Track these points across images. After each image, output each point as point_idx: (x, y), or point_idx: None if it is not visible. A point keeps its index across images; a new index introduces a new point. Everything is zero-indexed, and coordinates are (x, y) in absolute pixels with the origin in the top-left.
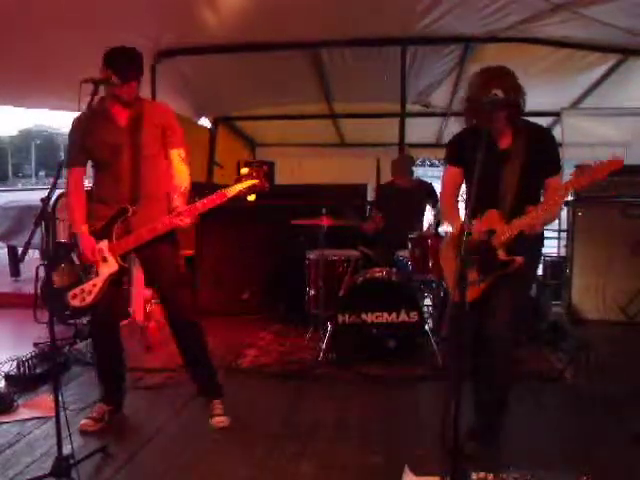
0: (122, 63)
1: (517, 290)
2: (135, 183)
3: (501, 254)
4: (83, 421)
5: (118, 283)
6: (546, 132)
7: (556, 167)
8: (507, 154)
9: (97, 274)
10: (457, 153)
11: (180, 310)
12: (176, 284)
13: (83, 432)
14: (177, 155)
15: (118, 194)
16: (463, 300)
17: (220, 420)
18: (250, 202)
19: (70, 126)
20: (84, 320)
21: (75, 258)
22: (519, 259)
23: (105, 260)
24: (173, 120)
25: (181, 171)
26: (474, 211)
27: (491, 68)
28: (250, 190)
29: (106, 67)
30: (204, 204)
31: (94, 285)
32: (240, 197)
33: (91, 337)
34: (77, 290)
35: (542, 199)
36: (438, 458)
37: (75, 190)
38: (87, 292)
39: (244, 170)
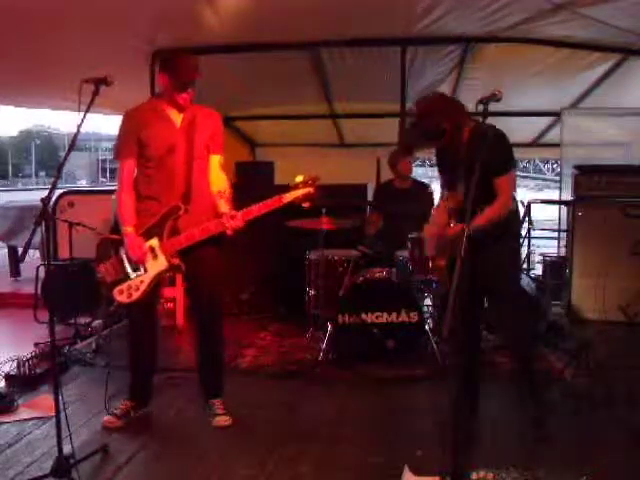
0: (185, 71)
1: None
2: (188, 182)
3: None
4: (106, 417)
5: (163, 281)
6: (493, 132)
7: (500, 167)
8: (462, 162)
9: (146, 271)
10: (438, 164)
11: (213, 307)
12: (216, 284)
13: (106, 429)
14: (217, 161)
15: (171, 192)
16: (463, 300)
17: (225, 419)
18: (248, 202)
19: (122, 118)
20: (84, 320)
21: (123, 254)
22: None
23: (155, 258)
24: (220, 126)
25: (221, 177)
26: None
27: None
28: (305, 198)
29: (166, 73)
30: (260, 208)
31: (142, 282)
32: (295, 203)
33: (129, 332)
34: (124, 286)
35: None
36: (438, 458)
37: (124, 184)
38: (134, 288)
39: (299, 178)
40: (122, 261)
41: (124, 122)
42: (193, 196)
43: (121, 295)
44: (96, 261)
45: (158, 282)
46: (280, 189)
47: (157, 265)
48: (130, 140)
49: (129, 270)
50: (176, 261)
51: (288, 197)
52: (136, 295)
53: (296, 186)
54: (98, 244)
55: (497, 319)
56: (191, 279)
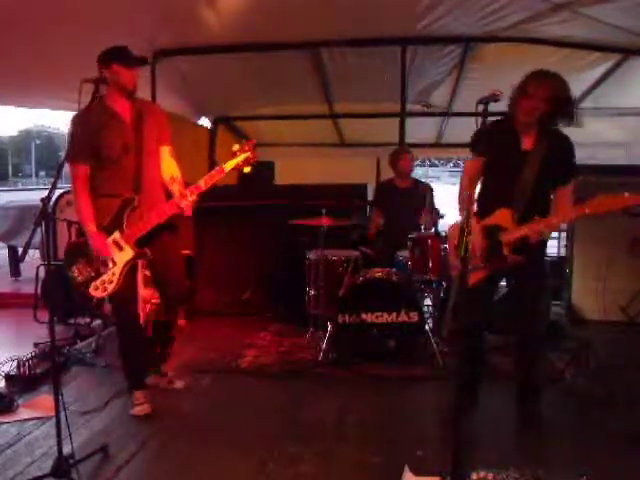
0: (123, 52)
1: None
2: (138, 175)
3: (505, 249)
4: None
5: (134, 270)
6: (568, 141)
7: (567, 177)
8: (528, 155)
9: (115, 264)
10: (481, 143)
11: (179, 290)
12: (179, 266)
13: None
14: (167, 151)
15: (123, 187)
16: (462, 299)
17: (142, 409)
18: (248, 202)
19: (71, 123)
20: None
21: (91, 253)
22: (519, 257)
23: (121, 249)
24: (166, 120)
25: (172, 164)
26: (488, 207)
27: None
28: (245, 163)
29: (108, 61)
30: (206, 181)
31: (113, 274)
32: (237, 170)
33: (117, 325)
34: (98, 282)
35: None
36: (438, 458)
37: (82, 187)
38: (108, 282)
39: (236, 146)
40: (91, 260)
41: (75, 127)
42: (145, 186)
43: (97, 291)
44: (67, 266)
45: (134, 271)
46: (280, 188)
47: (124, 255)
48: (83, 145)
49: (99, 266)
50: (141, 248)
51: (228, 166)
52: (111, 288)
53: (234, 154)
54: (66, 250)
55: (521, 314)
56: (155, 264)
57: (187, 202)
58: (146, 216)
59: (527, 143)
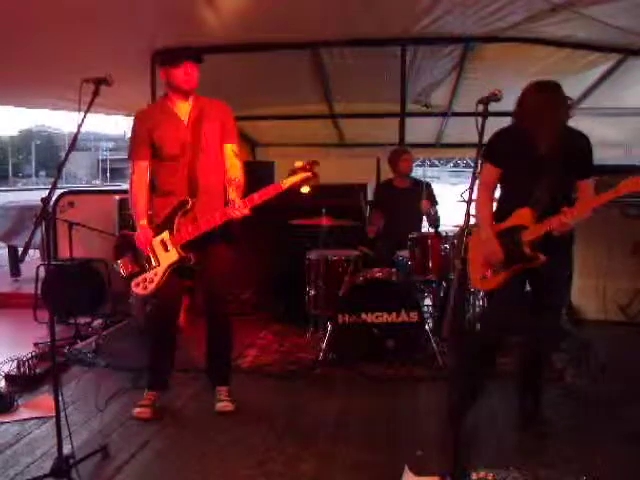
0: (173, 53)
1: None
2: (196, 176)
3: (526, 249)
4: (137, 409)
5: (183, 273)
6: (584, 137)
7: (589, 170)
8: (546, 159)
9: (159, 264)
10: (496, 153)
11: (221, 302)
12: (225, 280)
13: (139, 419)
14: (231, 150)
15: (179, 186)
16: (462, 298)
17: (226, 404)
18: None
19: (133, 120)
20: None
21: (137, 249)
22: (543, 257)
23: (167, 250)
24: (230, 116)
25: (234, 165)
26: (506, 211)
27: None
28: (304, 182)
29: (160, 67)
30: (260, 195)
31: (155, 274)
32: (294, 189)
33: (151, 324)
34: (140, 279)
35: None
36: (438, 458)
37: (139, 184)
38: (149, 280)
39: (298, 163)
40: (137, 255)
41: (136, 124)
42: (201, 189)
43: (137, 287)
44: (115, 256)
45: (183, 274)
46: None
47: (169, 257)
48: (142, 142)
49: (144, 263)
50: (186, 253)
51: (287, 183)
52: (151, 287)
53: (294, 171)
54: (116, 240)
55: (539, 310)
56: (203, 276)
57: (238, 214)
58: (196, 222)
59: (544, 147)
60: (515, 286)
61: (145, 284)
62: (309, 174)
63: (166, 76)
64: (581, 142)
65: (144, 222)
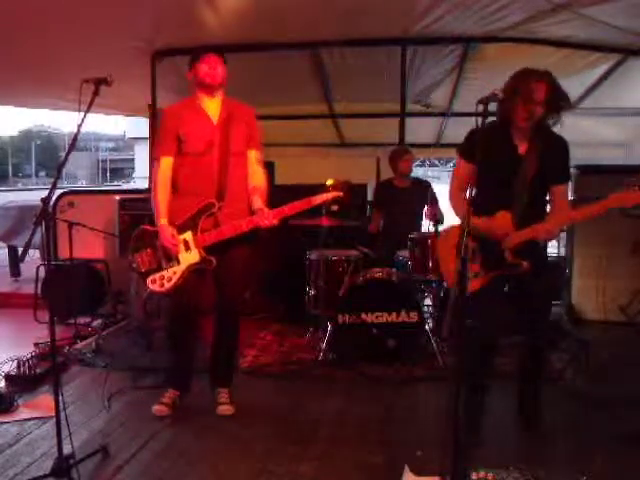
0: (198, 50)
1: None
2: (224, 180)
3: (508, 256)
4: (156, 407)
5: (202, 275)
6: (562, 141)
7: (565, 176)
8: (524, 159)
9: (179, 263)
10: (472, 150)
11: (235, 303)
12: (242, 282)
13: (158, 417)
14: (254, 156)
15: (208, 188)
16: (463, 298)
17: (226, 408)
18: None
19: (161, 116)
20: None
21: (158, 246)
22: (525, 264)
23: (189, 250)
24: (255, 121)
25: (257, 171)
26: (484, 210)
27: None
28: (334, 200)
29: (188, 66)
30: (290, 208)
31: (174, 273)
32: (324, 205)
33: (170, 323)
34: (157, 276)
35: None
36: (438, 458)
37: (161, 180)
38: (167, 279)
39: (330, 181)
40: (156, 252)
41: (163, 120)
42: (228, 193)
43: (154, 284)
44: (132, 251)
45: (202, 275)
46: (279, 188)
47: (190, 257)
48: (169, 138)
49: (162, 260)
50: (208, 255)
51: (317, 199)
52: (168, 285)
53: (327, 189)
54: (135, 235)
55: (526, 314)
56: (219, 276)
57: (267, 224)
58: (221, 227)
59: (523, 147)
60: (491, 293)
61: (162, 282)
62: (340, 194)
63: (193, 74)
64: (560, 146)
65: (165, 221)
